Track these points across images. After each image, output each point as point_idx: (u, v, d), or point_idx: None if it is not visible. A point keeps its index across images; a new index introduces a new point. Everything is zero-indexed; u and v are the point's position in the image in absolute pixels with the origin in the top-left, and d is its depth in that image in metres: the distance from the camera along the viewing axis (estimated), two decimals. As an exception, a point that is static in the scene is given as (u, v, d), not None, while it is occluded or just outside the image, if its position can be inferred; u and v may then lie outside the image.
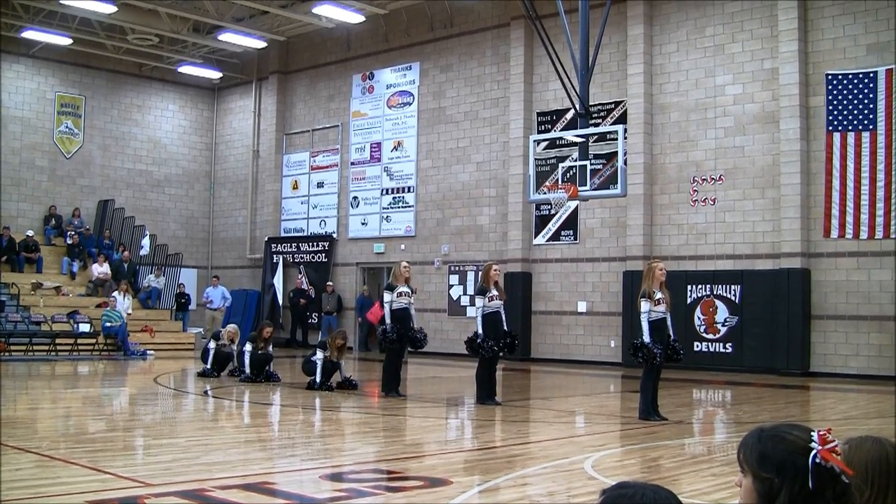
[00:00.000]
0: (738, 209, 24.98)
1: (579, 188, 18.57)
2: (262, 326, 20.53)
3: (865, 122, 22.78)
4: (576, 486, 8.58)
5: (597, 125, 25.49)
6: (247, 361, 19.53)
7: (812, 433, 2.79)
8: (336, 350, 18.22)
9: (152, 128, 38.06)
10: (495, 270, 16.03)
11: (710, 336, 25.02)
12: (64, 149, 35.50)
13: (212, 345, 20.85)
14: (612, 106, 27.27)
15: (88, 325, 27.34)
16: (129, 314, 28.49)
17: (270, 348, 20.02)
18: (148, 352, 27.76)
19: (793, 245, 23.77)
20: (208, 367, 20.52)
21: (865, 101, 22.78)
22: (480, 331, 15.58)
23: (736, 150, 25.14)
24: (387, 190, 33.01)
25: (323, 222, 35.07)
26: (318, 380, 17.82)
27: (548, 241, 28.58)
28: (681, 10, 26.37)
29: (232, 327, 21.70)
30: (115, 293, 29.27)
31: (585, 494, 8.07)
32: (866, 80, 22.79)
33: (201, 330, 32.46)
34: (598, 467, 9.52)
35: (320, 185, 35.31)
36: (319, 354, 18.09)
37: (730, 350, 24.72)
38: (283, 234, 36.41)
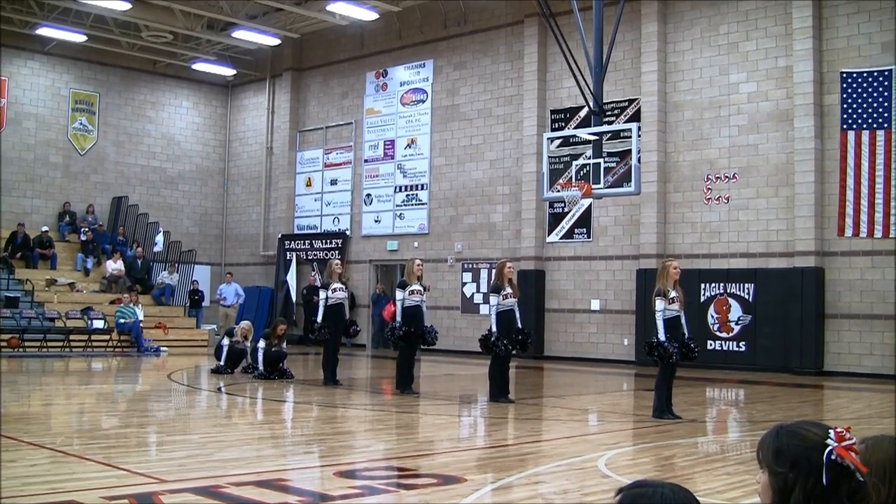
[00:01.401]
0: (752, 207, 24.94)
1: (593, 186, 18.58)
2: (276, 323, 20.57)
3: (880, 120, 22.72)
4: (589, 485, 8.58)
5: (610, 123, 25.45)
6: (260, 358, 19.58)
7: (829, 430, 2.80)
8: (337, 276, 18.42)
9: (166, 125, 38.13)
10: (509, 268, 16.04)
11: (724, 335, 24.98)
12: (78, 145, 35.59)
13: (225, 341, 20.89)
14: (626, 104, 27.24)
15: (102, 322, 27.42)
16: (141, 321, 28.46)
17: (284, 345, 20.06)
18: (161, 348, 27.83)
19: (807, 244, 23.72)
20: (222, 363, 20.57)
21: (880, 100, 22.72)
22: (495, 329, 15.59)
23: (750, 149, 25.09)
24: (400, 187, 33.02)
25: (336, 219, 35.10)
26: (318, 320, 18.10)
27: (561, 238, 28.56)
28: (695, 7, 26.33)
29: (245, 324, 21.74)
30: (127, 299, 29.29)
31: (599, 493, 8.07)
32: (881, 79, 22.73)
33: (215, 327, 32.52)
34: (612, 465, 9.52)
35: (334, 182, 35.35)
36: (323, 294, 18.25)
37: (743, 349, 24.68)
38: (296, 232, 36.44)
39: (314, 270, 33.88)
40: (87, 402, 16.26)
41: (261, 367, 19.50)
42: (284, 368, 19.72)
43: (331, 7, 30.32)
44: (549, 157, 20.65)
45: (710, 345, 24.83)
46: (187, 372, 22.48)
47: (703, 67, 26.10)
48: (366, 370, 25.06)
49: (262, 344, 19.76)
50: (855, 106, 22.90)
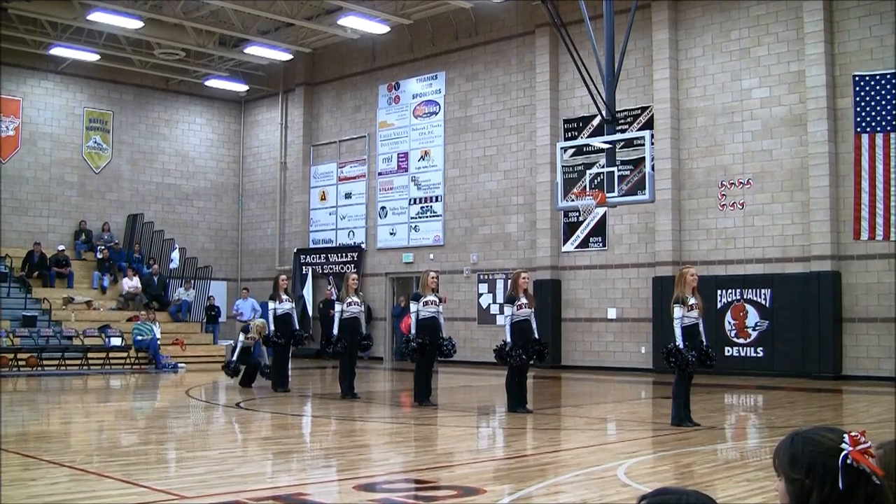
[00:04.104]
0: (767, 213, 24.89)
1: (607, 194, 18.57)
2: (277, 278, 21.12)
3: (894, 122, 22.66)
4: (609, 494, 8.56)
5: (623, 131, 25.47)
6: (270, 318, 20.18)
7: (844, 435, 2.80)
8: (353, 290, 18.47)
9: (180, 141, 38.25)
10: (524, 278, 16.02)
11: (741, 340, 24.92)
12: (93, 164, 35.73)
13: (241, 338, 21.05)
14: (639, 111, 27.23)
15: (120, 339, 27.49)
16: (159, 337, 28.52)
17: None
18: (179, 365, 27.88)
19: (823, 248, 23.65)
20: (233, 359, 20.81)
21: (894, 102, 22.66)
22: (509, 339, 15.58)
23: (764, 154, 25.05)
24: (414, 199, 33.05)
25: (351, 233, 35.14)
26: (333, 333, 18.23)
27: (576, 247, 28.54)
28: (706, 14, 26.32)
29: (260, 321, 21.87)
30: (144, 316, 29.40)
31: (619, 502, 8.06)
32: (894, 81, 22.68)
33: (232, 342, 32.54)
34: (631, 474, 9.51)
35: (348, 195, 35.40)
36: (338, 308, 18.26)
37: (761, 354, 24.62)
38: (311, 246, 36.49)
39: (330, 284, 33.89)
40: (106, 419, 16.29)
41: (272, 327, 20.28)
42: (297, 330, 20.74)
43: (342, 21, 30.40)
44: (563, 166, 20.71)
45: (728, 351, 24.78)
46: (205, 388, 22.51)
47: (715, 74, 26.08)
48: (383, 383, 25.08)
49: (272, 305, 20.38)
50: (868, 109, 22.85)
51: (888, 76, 22.70)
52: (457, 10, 31.06)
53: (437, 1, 30.07)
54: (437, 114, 32.65)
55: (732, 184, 25.47)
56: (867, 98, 22.90)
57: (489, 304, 30.54)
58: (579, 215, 24.84)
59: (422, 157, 32.94)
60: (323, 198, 36.43)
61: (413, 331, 16.85)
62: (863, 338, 23.36)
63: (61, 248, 32.70)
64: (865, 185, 22.87)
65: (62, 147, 35.00)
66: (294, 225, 37.23)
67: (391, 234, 33.70)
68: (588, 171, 21.66)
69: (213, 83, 37.24)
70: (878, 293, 23.15)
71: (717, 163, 25.83)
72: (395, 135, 33.88)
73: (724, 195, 25.61)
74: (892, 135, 22.62)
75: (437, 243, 32.20)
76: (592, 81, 19.36)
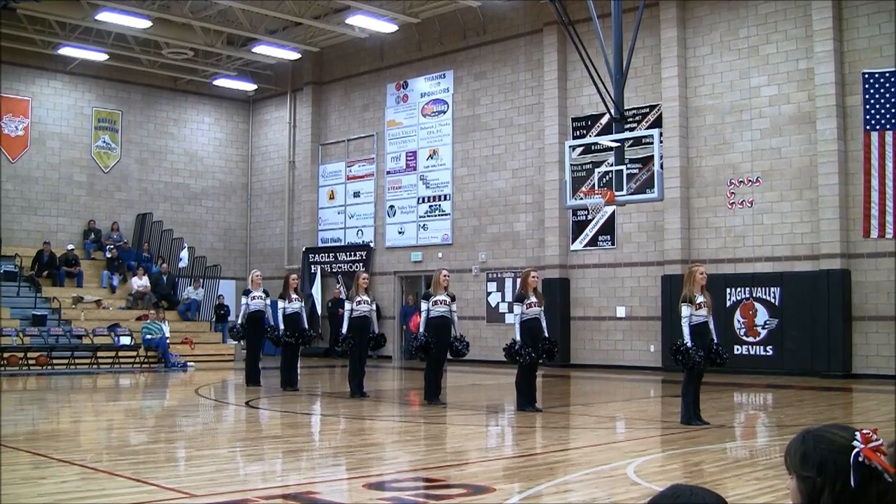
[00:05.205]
0: (776, 211, 24.84)
1: (616, 193, 18.54)
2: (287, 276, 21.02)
3: (903, 120, 22.60)
4: (618, 492, 8.55)
5: (632, 129, 25.41)
6: (280, 317, 20.08)
7: (855, 433, 2.79)
8: (363, 289, 18.38)
9: (188, 141, 38.30)
10: (533, 277, 16.01)
11: (751, 339, 24.88)
12: (102, 163, 35.77)
13: (244, 301, 20.99)
14: (647, 110, 27.20)
15: (129, 338, 27.54)
16: (168, 336, 28.54)
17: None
18: (188, 364, 27.90)
19: (832, 246, 23.61)
20: (239, 322, 20.85)
21: (903, 100, 22.60)
22: (518, 337, 15.57)
23: (772, 152, 25.01)
24: (423, 198, 33.05)
25: (360, 232, 35.15)
26: (343, 332, 18.10)
27: (585, 246, 28.52)
28: (714, 12, 26.28)
29: (256, 272, 21.94)
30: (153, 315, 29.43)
31: (628, 500, 8.05)
32: (903, 79, 22.61)
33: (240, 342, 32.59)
34: (641, 473, 9.49)
35: (356, 194, 35.41)
36: (348, 307, 18.23)
37: (770, 353, 24.58)
38: (320, 245, 36.50)
39: (339, 283, 33.92)
40: (115, 418, 16.30)
41: (281, 326, 19.91)
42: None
43: (350, 20, 30.42)
44: (572, 164, 20.67)
45: (737, 349, 24.72)
46: (215, 387, 22.54)
47: (723, 72, 26.04)
48: (392, 382, 25.07)
49: (281, 304, 20.11)
50: (878, 106, 22.77)
51: (897, 74, 22.63)
52: (465, 9, 31.06)
53: (444, 0, 30.07)
54: (445, 112, 32.65)
55: (741, 182, 25.44)
56: (876, 95, 22.83)
57: (498, 303, 30.54)
58: (588, 214, 24.84)
59: (430, 156, 32.94)
60: (331, 197, 36.44)
61: (422, 329, 16.86)
62: (872, 336, 23.32)
63: (70, 247, 32.75)
64: (875, 182, 22.79)
65: (71, 147, 35.06)
66: (302, 224, 37.25)
67: (400, 232, 33.70)
68: (597, 170, 21.67)
69: (221, 82, 37.29)
70: (887, 291, 23.10)
71: (726, 161, 25.80)
72: (404, 133, 33.89)
73: (732, 193, 25.58)
74: (902, 132, 22.55)
75: (446, 242, 32.20)
76: (601, 79, 19.33)
